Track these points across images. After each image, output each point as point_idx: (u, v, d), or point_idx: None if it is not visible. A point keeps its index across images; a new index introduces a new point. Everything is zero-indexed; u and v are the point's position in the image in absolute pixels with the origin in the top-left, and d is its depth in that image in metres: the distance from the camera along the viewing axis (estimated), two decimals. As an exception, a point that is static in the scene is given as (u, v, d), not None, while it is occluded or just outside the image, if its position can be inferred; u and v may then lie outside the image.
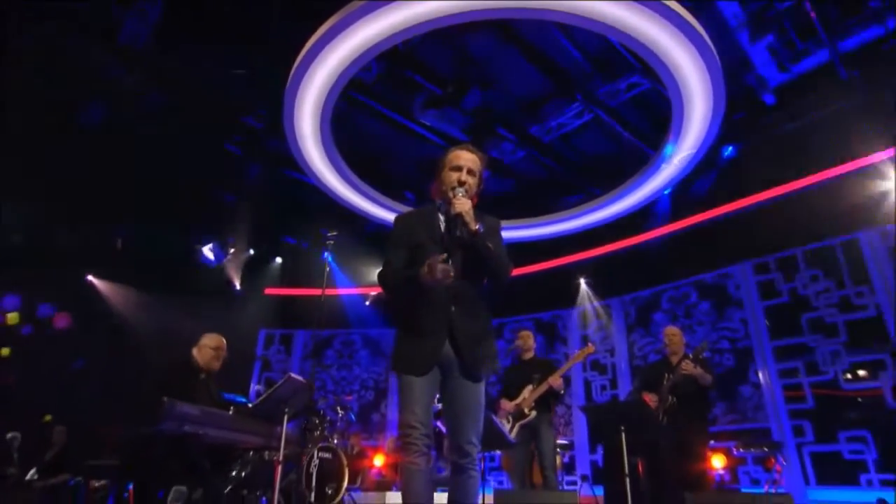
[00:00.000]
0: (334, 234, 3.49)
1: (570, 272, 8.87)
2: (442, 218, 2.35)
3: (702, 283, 7.76)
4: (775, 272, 7.00)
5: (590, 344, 5.16)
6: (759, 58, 6.26)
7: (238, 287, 9.45)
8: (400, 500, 6.19)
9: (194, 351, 3.95)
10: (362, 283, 9.89)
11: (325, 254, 9.79)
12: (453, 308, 2.22)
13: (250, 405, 3.93)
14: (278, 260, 9.86)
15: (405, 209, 8.20)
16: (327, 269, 3.31)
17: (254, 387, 8.92)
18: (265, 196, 8.51)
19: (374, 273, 9.15)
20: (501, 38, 5.88)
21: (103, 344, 7.90)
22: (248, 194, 8.29)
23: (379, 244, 9.42)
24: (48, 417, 6.45)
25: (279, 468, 3.64)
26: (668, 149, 6.48)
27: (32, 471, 5.48)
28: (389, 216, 8.12)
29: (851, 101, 6.13)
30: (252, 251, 9.47)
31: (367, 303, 9.58)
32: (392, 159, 8.48)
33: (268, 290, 9.81)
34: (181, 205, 7.97)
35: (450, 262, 2.07)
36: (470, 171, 2.32)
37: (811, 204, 6.48)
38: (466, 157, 2.35)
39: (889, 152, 6.02)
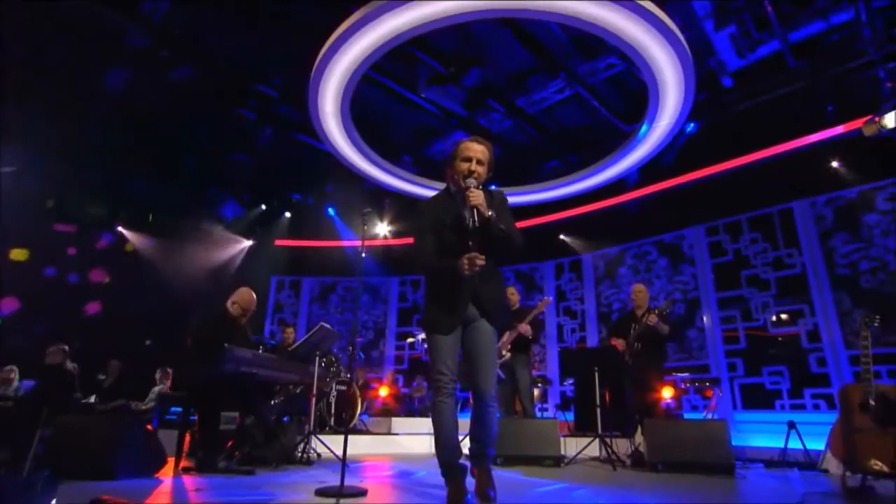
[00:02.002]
0: (368, 210, 3.85)
1: (548, 229, 9.51)
2: (458, 204, 2.52)
3: (661, 242, 8.50)
4: (723, 234, 7.76)
5: (546, 297, 5.90)
6: (721, 44, 6.71)
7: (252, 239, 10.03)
8: (402, 425, 7.13)
9: (228, 304, 4.22)
10: (361, 235, 10.47)
11: (328, 208, 10.39)
12: (476, 278, 2.41)
13: (271, 345, 4.42)
14: (287, 214, 10.36)
15: (403, 173, 8.73)
16: (364, 226, 3.70)
17: (268, 327, 9.67)
18: (275, 156, 8.97)
19: (370, 226, 9.80)
20: (498, 19, 6.24)
21: (137, 290, 8.44)
22: (261, 155, 8.72)
23: (377, 199, 9.99)
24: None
25: (313, 400, 4.38)
26: (643, 129, 6.97)
27: (93, 396, 6.23)
28: (389, 179, 8.62)
29: (796, 87, 6.65)
30: (263, 206, 9.98)
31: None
32: (391, 125, 8.88)
33: (277, 242, 10.38)
34: (200, 164, 8.41)
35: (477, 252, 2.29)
36: (479, 161, 2.50)
37: (756, 176, 7.14)
38: (476, 149, 2.53)
39: (823, 134, 6.65)
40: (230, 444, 3.78)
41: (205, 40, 6.72)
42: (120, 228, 8.94)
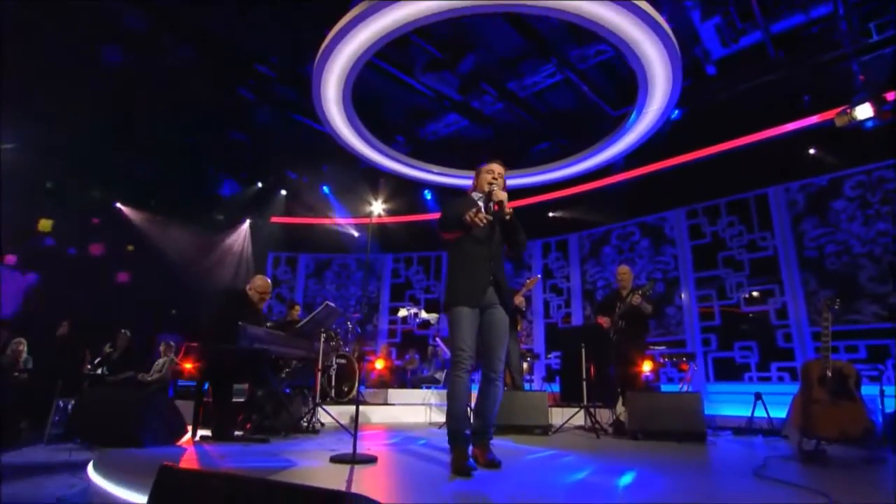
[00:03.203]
0: (380, 200, 4.02)
1: (536, 209, 9.68)
2: (481, 204, 2.88)
3: (644, 224, 8.76)
4: (702, 217, 8.03)
5: (536, 275, 6.14)
6: (706, 34, 6.83)
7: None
8: (397, 396, 7.41)
9: (248, 288, 4.39)
10: (356, 213, 10.58)
11: (324, 187, 10.41)
12: (491, 262, 2.84)
13: (274, 320, 4.54)
14: (283, 192, 10.39)
15: (398, 155, 8.76)
16: (372, 205, 3.95)
17: (266, 302, 9.79)
18: (272, 135, 8.96)
19: (364, 205, 9.91)
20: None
21: (137, 266, 8.48)
22: (258, 134, 8.71)
23: (372, 179, 10.05)
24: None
25: (318, 373, 4.59)
26: (633, 117, 7.10)
27: (103, 368, 6.37)
28: (383, 160, 8.68)
29: (775, 77, 6.80)
30: (260, 184, 9.99)
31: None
32: (385, 106, 8.88)
33: (274, 219, 10.44)
34: (199, 141, 8.37)
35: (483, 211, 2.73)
36: (500, 174, 2.98)
37: (735, 163, 7.36)
38: (497, 167, 3.00)
39: (798, 123, 6.85)
40: (242, 415, 3.97)
41: (203, 20, 6.66)
42: (119, 205, 8.93)
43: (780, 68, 6.79)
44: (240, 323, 3.68)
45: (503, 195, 2.83)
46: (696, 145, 7.76)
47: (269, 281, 4.55)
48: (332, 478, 2.43)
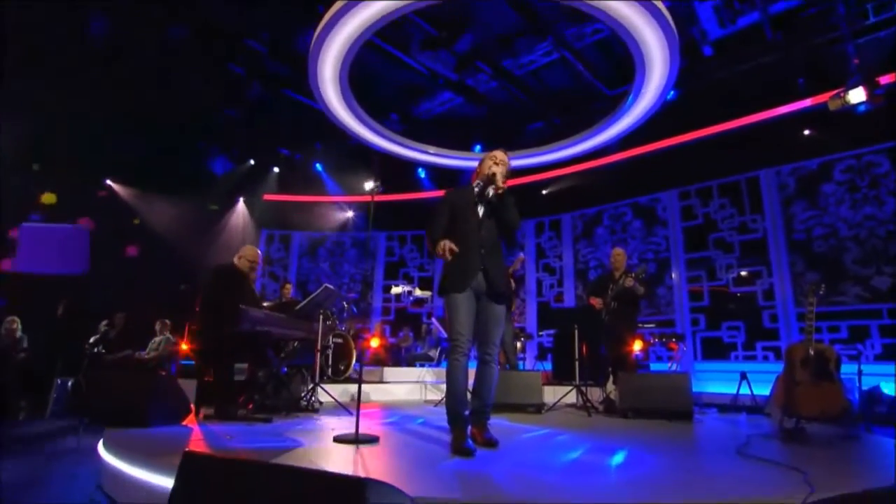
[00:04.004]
0: (379, 184, 4.09)
1: (530, 189, 9.69)
2: (476, 190, 2.98)
3: (636, 204, 8.86)
4: (694, 199, 8.14)
5: (521, 255, 6.68)
6: (704, 14, 6.82)
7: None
8: (392, 374, 7.59)
9: (235, 259, 4.33)
10: (349, 190, 10.57)
11: (316, 164, 10.37)
12: (482, 250, 2.89)
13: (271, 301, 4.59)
14: (275, 169, 10.33)
15: (392, 134, 8.74)
16: (373, 185, 4.05)
17: (259, 280, 9.84)
18: (264, 112, 8.86)
19: (357, 182, 9.91)
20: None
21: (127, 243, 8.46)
22: (249, 110, 8.61)
23: (363, 156, 10.00)
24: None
25: (318, 354, 4.70)
26: (629, 100, 7.10)
27: (100, 346, 6.44)
28: (376, 139, 8.64)
29: (771, 58, 6.83)
30: (252, 161, 9.92)
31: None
32: (378, 83, 8.80)
33: (266, 196, 10.40)
34: (189, 118, 8.28)
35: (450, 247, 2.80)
36: (501, 161, 3.05)
37: (728, 145, 7.44)
38: (500, 157, 3.07)
39: (792, 106, 6.92)
40: (244, 395, 4.07)
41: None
42: (109, 182, 8.85)
43: (776, 50, 6.81)
44: (241, 306, 3.75)
45: (500, 171, 2.93)
46: (691, 126, 7.81)
47: (259, 251, 4.56)
48: (337, 458, 2.55)
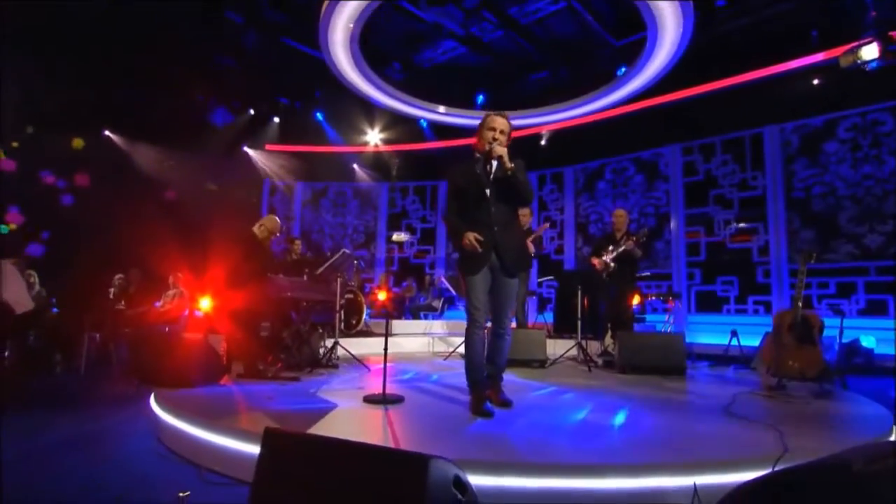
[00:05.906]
0: (396, 160, 4.21)
1: (532, 140, 9.76)
2: (479, 171, 2.99)
3: (638, 159, 8.98)
4: (697, 155, 8.27)
5: (545, 224, 6.95)
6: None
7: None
8: (400, 327, 8.00)
9: (255, 228, 4.60)
10: (350, 141, 10.58)
11: (317, 113, 10.31)
12: (495, 228, 2.96)
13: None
14: (275, 119, 10.27)
15: (390, 89, 8.66)
16: (394, 171, 4.17)
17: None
18: (262, 61, 8.72)
19: (360, 133, 9.91)
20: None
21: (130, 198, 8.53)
22: (248, 59, 8.48)
23: (364, 104, 9.92)
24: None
25: (337, 314, 5.03)
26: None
27: (121, 303, 6.76)
28: (376, 93, 8.59)
29: (785, 8, 6.71)
30: (252, 111, 9.85)
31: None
32: (381, 33, 8.63)
33: (268, 146, 10.40)
34: (186, 68, 8.16)
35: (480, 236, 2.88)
36: (501, 132, 3.00)
37: (734, 100, 7.48)
38: (500, 122, 3.02)
39: (803, 60, 6.90)
40: (271, 356, 4.44)
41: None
42: (107, 133, 8.82)
43: (792, -1, 6.71)
44: (270, 276, 4.05)
45: (501, 149, 2.88)
46: (698, 80, 7.80)
47: (279, 222, 4.81)
48: (371, 419, 2.92)
